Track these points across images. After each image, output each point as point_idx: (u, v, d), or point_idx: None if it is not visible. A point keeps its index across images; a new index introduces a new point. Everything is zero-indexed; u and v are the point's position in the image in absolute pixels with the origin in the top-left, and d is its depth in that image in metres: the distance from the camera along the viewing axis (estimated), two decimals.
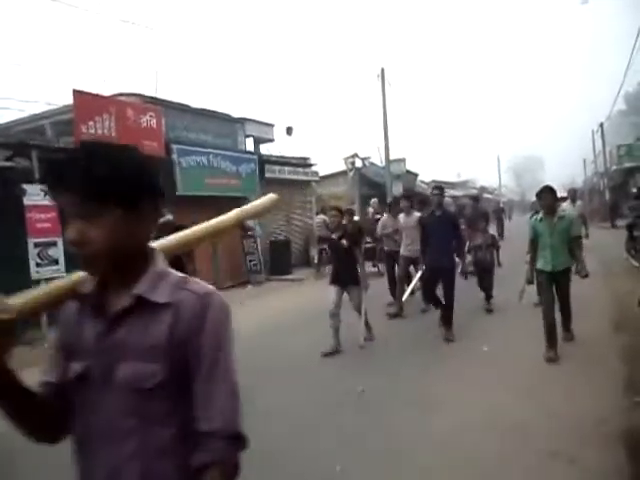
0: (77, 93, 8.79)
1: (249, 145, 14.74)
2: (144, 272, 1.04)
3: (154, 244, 1.15)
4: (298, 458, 3.33)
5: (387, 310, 7.47)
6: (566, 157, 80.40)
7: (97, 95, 9.53)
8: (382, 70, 18.43)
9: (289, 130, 16.91)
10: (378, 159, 20.81)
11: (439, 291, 6.21)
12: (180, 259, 4.06)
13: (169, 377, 0.99)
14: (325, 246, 10.27)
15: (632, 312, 5.84)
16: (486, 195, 44.97)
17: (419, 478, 3.06)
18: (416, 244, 6.87)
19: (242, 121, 14.21)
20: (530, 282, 5.40)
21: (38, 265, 7.42)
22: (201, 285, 1.07)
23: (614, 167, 30.67)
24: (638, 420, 3.49)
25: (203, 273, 11.88)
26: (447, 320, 6.04)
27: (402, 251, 7.54)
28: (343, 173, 20.41)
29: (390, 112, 18.59)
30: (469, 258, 7.52)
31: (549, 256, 5.09)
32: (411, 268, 7.69)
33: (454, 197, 24.19)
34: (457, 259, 6.25)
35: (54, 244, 7.58)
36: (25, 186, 7.33)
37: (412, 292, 7.45)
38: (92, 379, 1.02)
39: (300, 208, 16.21)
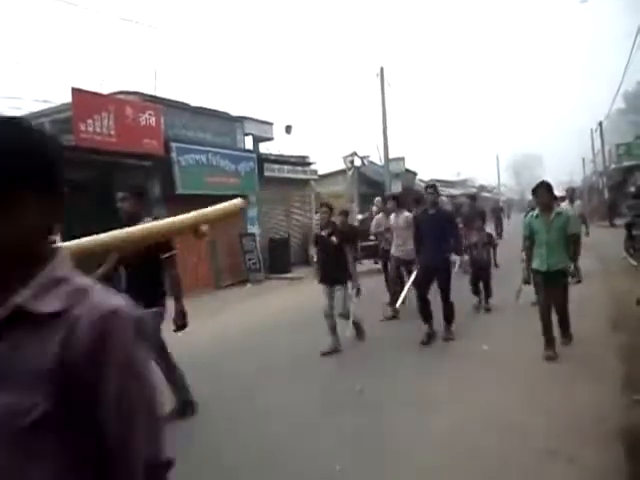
0: (76, 91, 8.79)
1: (248, 144, 14.75)
2: (32, 278, 0.82)
3: (65, 244, 0.98)
4: (297, 457, 3.32)
5: (384, 311, 7.37)
6: (565, 156, 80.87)
7: (96, 93, 9.54)
8: (381, 69, 18.46)
9: (288, 129, 16.91)
10: (377, 158, 20.87)
11: (434, 291, 6.17)
12: (168, 244, 3.83)
13: (53, 409, 0.76)
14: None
15: (630, 311, 5.85)
16: (485, 194, 45.01)
17: (418, 477, 3.06)
18: (408, 244, 6.82)
19: (241, 119, 14.21)
20: (527, 282, 5.31)
21: None
22: (108, 296, 0.84)
23: (613, 166, 30.75)
24: (637, 418, 3.49)
25: (202, 272, 11.97)
26: (448, 317, 6.02)
27: (393, 251, 7.47)
28: (342, 172, 20.44)
29: (389, 111, 18.67)
30: (466, 257, 7.52)
31: (545, 254, 4.98)
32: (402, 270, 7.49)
33: (452, 196, 24.19)
34: (456, 256, 6.22)
35: None
36: None
37: (403, 301, 6.97)
38: None
39: (299, 207, 16.23)
